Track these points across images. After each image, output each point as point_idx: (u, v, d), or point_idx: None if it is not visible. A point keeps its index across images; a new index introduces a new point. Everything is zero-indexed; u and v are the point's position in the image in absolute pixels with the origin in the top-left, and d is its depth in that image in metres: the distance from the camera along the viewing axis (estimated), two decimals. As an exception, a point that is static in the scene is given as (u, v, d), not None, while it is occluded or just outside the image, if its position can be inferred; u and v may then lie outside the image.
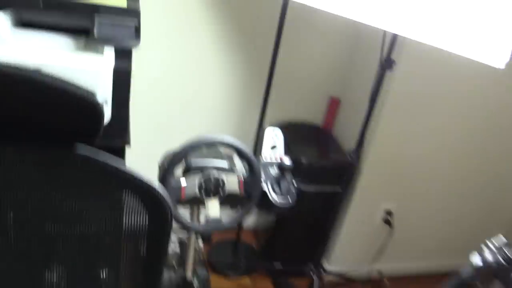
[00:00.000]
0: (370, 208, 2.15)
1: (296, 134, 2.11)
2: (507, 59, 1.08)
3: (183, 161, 1.26)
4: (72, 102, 0.65)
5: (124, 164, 0.75)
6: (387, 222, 2.19)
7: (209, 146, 1.28)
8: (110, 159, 0.74)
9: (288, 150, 1.62)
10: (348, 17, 1.28)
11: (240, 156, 1.26)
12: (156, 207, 0.79)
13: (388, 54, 1.43)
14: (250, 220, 2.41)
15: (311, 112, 2.25)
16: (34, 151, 0.68)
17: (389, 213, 2.18)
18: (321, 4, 1.33)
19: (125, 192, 0.77)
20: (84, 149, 0.74)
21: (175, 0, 1.82)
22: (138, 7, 1.45)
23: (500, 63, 1.08)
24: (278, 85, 2.07)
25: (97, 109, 0.66)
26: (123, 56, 1.32)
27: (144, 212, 0.81)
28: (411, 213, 2.24)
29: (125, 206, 0.80)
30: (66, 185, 0.77)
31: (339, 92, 2.23)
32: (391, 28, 1.21)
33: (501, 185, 2.31)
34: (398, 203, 2.18)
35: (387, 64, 1.42)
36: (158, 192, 0.75)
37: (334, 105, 2.21)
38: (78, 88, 0.64)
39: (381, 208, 2.17)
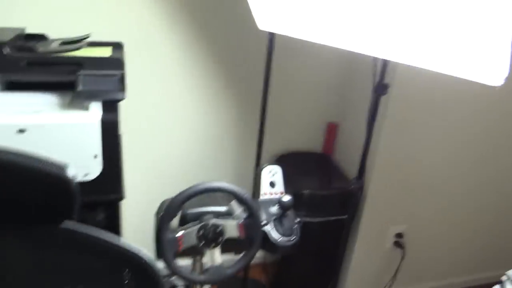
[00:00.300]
0: (379, 232, 2.09)
1: (296, 164, 2.07)
2: (504, 77, 1.04)
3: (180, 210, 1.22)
4: (41, 180, 0.61)
5: (104, 234, 0.71)
6: (398, 244, 2.13)
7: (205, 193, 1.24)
8: (91, 231, 0.71)
9: (289, 182, 1.58)
10: (334, 45, 1.26)
11: (238, 200, 1.22)
12: (144, 273, 0.75)
13: (380, 78, 1.40)
14: (258, 254, 2.34)
15: (310, 140, 2.22)
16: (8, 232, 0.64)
17: (399, 235, 2.12)
18: (306, 35, 1.31)
19: (111, 262, 0.73)
20: (67, 224, 0.71)
21: (161, 44, 1.81)
22: (122, 57, 1.44)
23: (496, 81, 1.05)
24: (273, 116, 2.04)
25: (68, 185, 0.63)
26: (110, 108, 1.30)
27: (132, 278, 0.77)
28: (422, 233, 2.17)
29: (112, 275, 0.76)
30: (49, 259, 0.73)
31: (336, 117, 2.20)
32: (380, 54, 1.19)
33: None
34: (408, 224, 2.12)
35: (380, 88, 1.39)
36: (144, 260, 0.71)
37: (332, 130, 2.18)
38: (47, 164, 0.60)
39: (391, 231, 2.11)
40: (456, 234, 2.26)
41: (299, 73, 2.06)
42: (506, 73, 1.03)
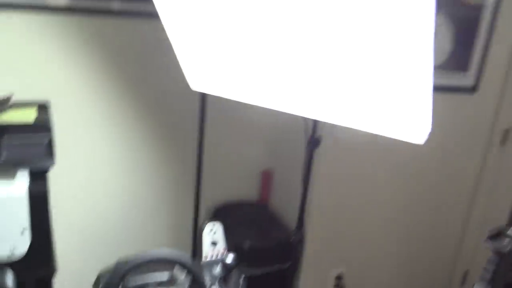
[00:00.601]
0: (320, 276, 2.11)
1: (234, 215, 2.06)
2: (427, 134, 1.11)
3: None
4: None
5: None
6: (340, 286, 2.16)
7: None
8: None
9: (229, 235, 1.56)
10: (264, 106, 1.29)
11: (180, 266, 1.18)
12: None
13: (313, 133, 1.45)
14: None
15: (246, 189, 2.22)
16: None
17: (339, 277, 2.16)
18: (237, 96, 1.33)
19: None
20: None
21: (90, 104, 1.75)
22: (49, 122, 1.37)
23: (419, 139, 1.11)
24: (207, 168, 2.03)
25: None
26: (38, 177, 1.22)
27: None
28: (360, 273, 2.23)
29: None
30: None
31: (270, 165, 2.23)
32: (307, 113, 1.23)
33: (436, 239, 2.41)
34: (347, 266, 2.17)
35: (313, 143, 1.44)
36: None
37: (267, 178, 2.20)
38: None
39: (331, 274, 2.14)
40: (391, 272, 2.35)
41: (231, 123, 2.07)
42: (428, 130, 1.11)
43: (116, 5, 1.67)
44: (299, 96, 1.22)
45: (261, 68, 1.26)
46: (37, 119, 1.39)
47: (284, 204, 2.14)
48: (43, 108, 1.53)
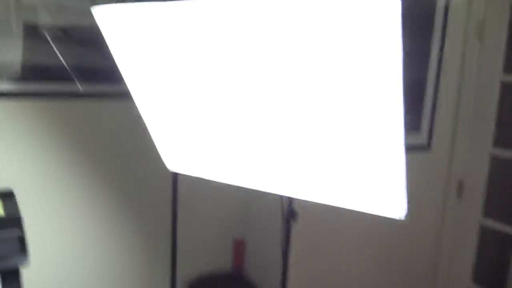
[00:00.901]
0: None
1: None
2: (405, 210, 1.15)
3: None
4: None
5: None
6: None
7: None
8: None
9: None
10: (242, 185, 1.31)
11: None
12: None
13: (289, 206, 1.47)
14: None
15: (219, 259, 2.18)
16: None
17: None
18: (214, 176, 1.34)
19: None
20: None
21: (58, 190, 1.69)
22: (18, 214, 1.31)
23: (399, 214, 1.16)
24: (182, 243, 1.98)
25: None
26: (11, 277, 1.15)
27: None
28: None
29: None
30: None
31: (242, 233, 2.21)
32: (285, 192, 1.25)
33: None
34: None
35: (290, 216, 1.45)
36: None
37: (239, 247, 2.18)
38: None
39: None
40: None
41: (203, 195, 2.06)
42: (405, 204, 1.15)
43: (80, 88, 1.66)
44: (275, 175, 1.25)
45: (236, 149, 1.28)
46: (5, 211, 1.33)
47: (260, 273, 2.11)
48: (7, 197, 1.47)
